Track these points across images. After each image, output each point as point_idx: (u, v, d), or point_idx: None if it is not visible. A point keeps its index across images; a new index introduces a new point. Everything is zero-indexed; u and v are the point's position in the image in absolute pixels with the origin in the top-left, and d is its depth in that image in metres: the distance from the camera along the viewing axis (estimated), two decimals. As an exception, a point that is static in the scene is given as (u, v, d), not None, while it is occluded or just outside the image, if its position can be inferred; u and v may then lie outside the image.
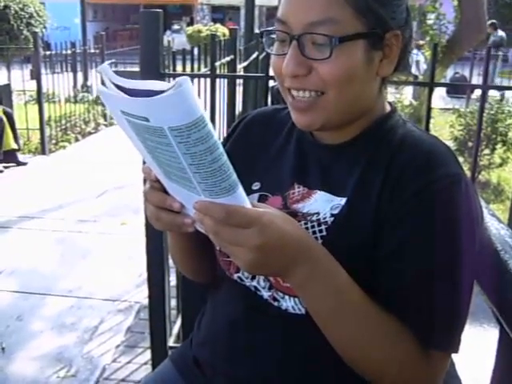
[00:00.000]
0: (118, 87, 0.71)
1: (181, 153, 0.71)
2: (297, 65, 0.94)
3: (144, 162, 0.86)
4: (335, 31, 0.91)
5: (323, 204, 1.00)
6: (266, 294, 1.02)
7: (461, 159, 6.71)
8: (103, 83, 0.72)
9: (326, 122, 0.99)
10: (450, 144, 6.97)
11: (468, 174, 2.28)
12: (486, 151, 6.67)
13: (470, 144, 6.47)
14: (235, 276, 1.07)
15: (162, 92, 0.66)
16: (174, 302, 2.63)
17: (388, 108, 1.07)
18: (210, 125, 0.69)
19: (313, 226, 0.98)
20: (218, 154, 0.72)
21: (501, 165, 6.76)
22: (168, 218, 0.88)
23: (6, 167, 6.73)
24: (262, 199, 1.07)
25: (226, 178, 0.75)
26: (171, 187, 0.84)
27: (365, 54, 0.94)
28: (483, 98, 2.20)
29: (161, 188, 0.86)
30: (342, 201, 0.99)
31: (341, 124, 1.01)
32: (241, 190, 0.78)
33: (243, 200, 0.79)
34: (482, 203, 1.14)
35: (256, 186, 1.09)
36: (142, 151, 0.78)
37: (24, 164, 6.95)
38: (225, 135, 1.27)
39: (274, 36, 1.00)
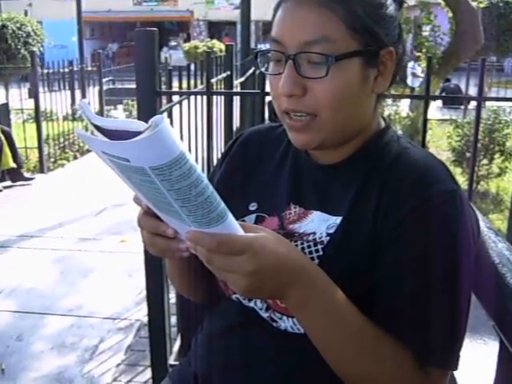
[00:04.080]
0: (97, 127, 0.71)
1: (165, 189, 0.71)
2: (293, 84, 0.94)
3: None
4: (331, 50, 0.91)
5: (319, 224, 1.00)
6: (264, 314, 1.02)
7: (459, 170, 6.72)
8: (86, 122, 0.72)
9: (323, 141, 0.98)
10: (449, 155, 6.99)
11: (466, 184, 2.30)
12: (485, 161, 6.68)
13: (468, 154, 6.47)
14: (233, 297, 1.07)
15: (139, 133, 0.66)
16: (174, 320, 2.62)
17: (382, 124, 1.07)
18: (191, 159, 0.69)
19: (309, 246, 0.98)
20: (202, 188, 0.72)
21: (499, 174, 6.76)
22: (163, 244, 0.88)
23: (5, 187, 6.73)
24: (259, 220, 1.07)
25: (213, 209, 0.75)
26: (163, 216, 0.84)
27: (360, 71, 0.94)
28: (479, 109, 2.21)
29: (154, 214, 0.85)
30: (338, 220, 0.98)
31: (338, 143, 1.01)
32: (231, 217, 0.78)
33: (234, 227, 0.80)
34: (479, 216, 1.14)
35: (253, 206, 1.09)
36: (130, 186, 0.78)
37: (31, 179, 6.97)
38: (222, 151, 1.27)
39: (269, 55, 1.00)
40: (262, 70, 1.05)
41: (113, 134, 0.69)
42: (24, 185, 6.89)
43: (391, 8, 0.98)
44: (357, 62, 0.94)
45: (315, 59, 0.92)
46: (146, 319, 2.98)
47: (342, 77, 0.93)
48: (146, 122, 0.67)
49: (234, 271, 0.79)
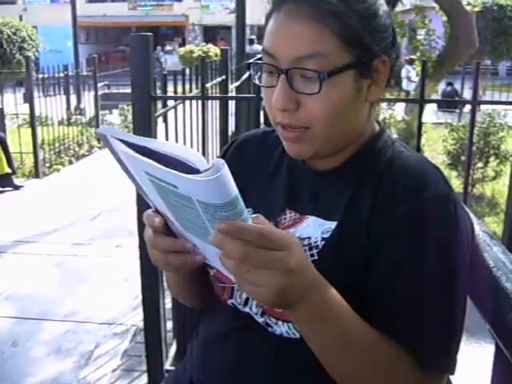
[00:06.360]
0: (130, 144, 0.70)
1: (205, 218, 0.71)
2: (286, 99, 0.93)
3: (144, 207, 0.85)
4: (323, 65, 0.90)
5: (314, 229, 1.00)
6: (259, 319, 1.02)
7: (454, 173, 6.74)
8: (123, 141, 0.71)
9: (317, 152, 0.98)
10: (444, 158, 7.00)
11: (462, 187, 2.31)
12: (480, 164, 6.70)
13: (463, 158, 6.49)
14: (229, 302, 1.06)
15: (197, 169, 0.67)
16: (170, 325, 2.62)
17: (377, 128, 1.07)
18: (240, 205, 0.70)
19: (304, 251, 0.98)
20: (239, 215, 0.72)
21: (494, 178, 6.78)
22: (178, 260, 0.87)
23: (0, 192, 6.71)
24: None
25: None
26: (184, 232, 0.82)
27: (354, 83, 0.94)
28: (473, 113, 2.21)
29: (168, 232, 0.84)
30: (333, 225, 0.98)
31: (332, 151, 1.01)
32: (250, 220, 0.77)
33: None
34: (474, 219, 1.14)
35: (248, 212, 1.09)
36: (158, 204, 0.77)
37: (20, 188, 6.94)
38: (217, 156, 1.26)
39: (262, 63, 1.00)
40: (256, 81, 1.04)
41: (162, 158, 0.69)
42: (17, 189, 6.87)
43: (385, 16, 0.97)
44: (350, 74, 0.93)
45: (308, 74, 0.92)
46: (141, 324, 2.97)
47: (335, 91, 0.92)
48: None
49: (274, 267, 0.75)
